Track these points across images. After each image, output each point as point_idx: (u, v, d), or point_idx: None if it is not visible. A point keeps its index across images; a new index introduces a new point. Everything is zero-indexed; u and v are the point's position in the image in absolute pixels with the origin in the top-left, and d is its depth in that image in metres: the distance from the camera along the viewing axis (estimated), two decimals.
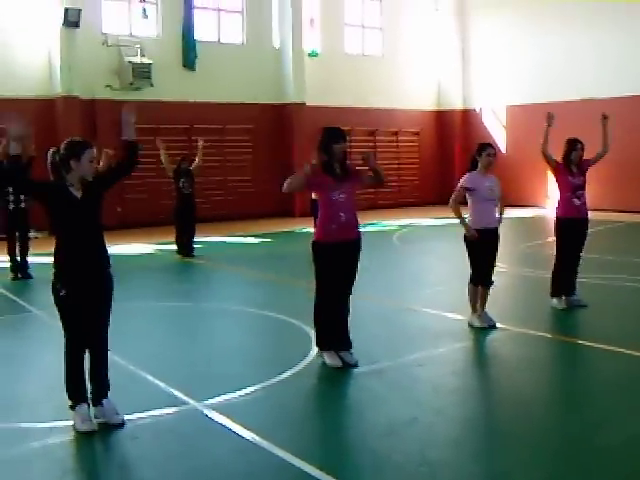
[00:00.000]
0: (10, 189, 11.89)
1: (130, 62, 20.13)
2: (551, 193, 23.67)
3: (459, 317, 8.53)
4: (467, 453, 5.06)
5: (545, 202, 23.21)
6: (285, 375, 6.55)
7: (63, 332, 5.40)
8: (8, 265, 12.30)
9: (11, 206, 12.24)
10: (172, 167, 14.85)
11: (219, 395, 6.05)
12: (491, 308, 8.39)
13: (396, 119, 26.18)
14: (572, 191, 8.95)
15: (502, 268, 12.03)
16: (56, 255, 5.33)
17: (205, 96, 21.50)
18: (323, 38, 24.53)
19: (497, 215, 8.21)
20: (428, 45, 27.17)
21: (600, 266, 12.03)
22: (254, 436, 5.19)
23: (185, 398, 6.00)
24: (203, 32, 21.98)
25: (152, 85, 20.44)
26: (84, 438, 5.29)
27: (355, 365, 6.77)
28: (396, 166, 26.26)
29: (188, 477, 4.62)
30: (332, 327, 6.83)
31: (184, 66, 21.53)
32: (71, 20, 18.92)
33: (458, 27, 27.05)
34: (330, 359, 6.80)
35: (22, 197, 12.15)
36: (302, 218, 20.44)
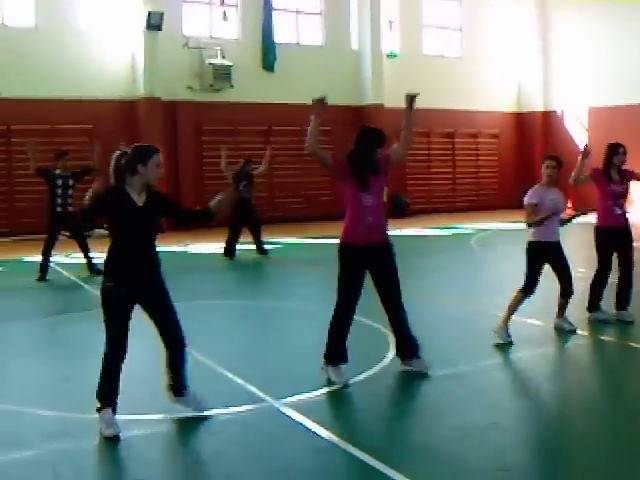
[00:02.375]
0: (59, 192, 12.21)
1: (211, 64, 20.45)
2: (636, 197, 23.09)
3: (538, 323, 8.38)
4: (545, 459, 4.96)
5: (631, 206, 22.61)
6: (362, 376, 6.54)
7: (106, 337, 5.37)
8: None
9: (58, 209, 12.33)
10: (232, 170, 14.87)
11: (297, 394, 6.07)
12: (572, 314, 8.21)
13: (475, 121, 25.90)
14: (613, 199, 8.51)
15: (580, 272, 11.76)
16: (108, 256, 5.39)
17: (284, 97, 21.66)
18: (401, 39, 24.45)
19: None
20: (508, 45, 26.81)
21: None
22: (331, 435, 5.20)
23: (263, 396, 6.04)
24: (282, 34, 22.17)
25: (232, 87, 20.72)
26: (162, 433, 5.38)
27: (425, 373, 6.59)
28: (475, 169, 26.00)
29: (265, 475, 4.65)
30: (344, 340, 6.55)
31: (263, 68, 21.76)
32: (153, 23, 19.35)
33: (539, 27, 26.59)
34: (335, 375, 6.40)
35: (70, 201, 12.29)
36: None
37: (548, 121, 26.67)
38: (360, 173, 6.35)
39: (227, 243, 14.63)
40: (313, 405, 5.86)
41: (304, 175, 22.29)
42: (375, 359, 7.02)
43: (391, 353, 7.16)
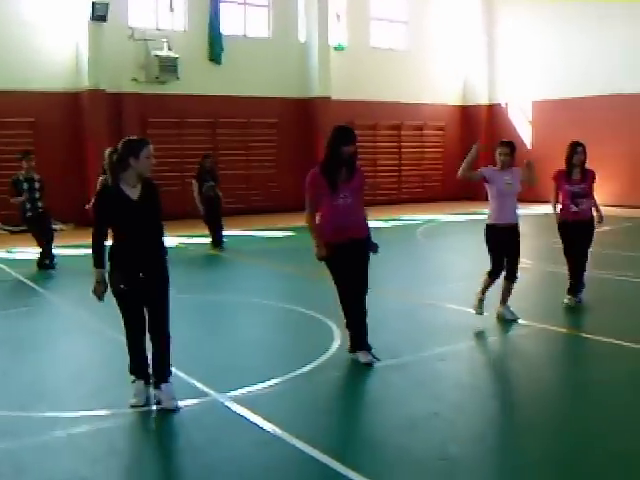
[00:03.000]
0: (27, 195, 12.21)
1: (156, 56, 20.26)
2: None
3: (485, 313, 8.51)
4: (487, 448, 5.07)
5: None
6: (307, 368, 6.59)
7: (123, 324, 5.71)
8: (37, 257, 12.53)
9: (28, 214, 12.38)
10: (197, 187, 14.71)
11: (241, 387, 6.10)
12: (514, 303, 8.37)
13: (421, 113, 26.12)
14: (570, 198, 8.91)
15: (527, 264, 11.99)
16: (112, 250, 5.53)
17: (230, 90, 21.58)
18: (349, 32, 24.51)
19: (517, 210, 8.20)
20: (454, 39, 27.05)
21: (623, 262, 11.96)
22: (275, 428, 5.23)
23: (207, 390, 6.06)
24: (229, 26, 22.04)
25: (178, 79, 20.55)
26: (107, 429, 5.36)
27: (371, 365, 6.68)
28: (420, 161, 26.23)
29: (209, 469, 4.66)
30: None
31: (210, 60, 21.62)
32: (98, 14, 19.07)
33: (484, 21, 26.88)
34: (365, 357, 6.71)
35: (39, 204, 12.40)
36: None
37: (493, 114, 27.02)
38: (331, 175, 6.49)
39: (213, 237, 14.69)
40: (257, 398, 5.89)
41: (250, 167, 22.28)
42: (320, 351, 7.07)
43: (335, 345, 7.23)
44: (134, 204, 5.47)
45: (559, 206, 9.02)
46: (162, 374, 5.73)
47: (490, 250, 8.16)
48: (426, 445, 5.02)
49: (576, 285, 9.04)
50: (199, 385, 6.18)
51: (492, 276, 8.23)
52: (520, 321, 8.21)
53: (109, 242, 5.56)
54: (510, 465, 4.75)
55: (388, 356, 6.91)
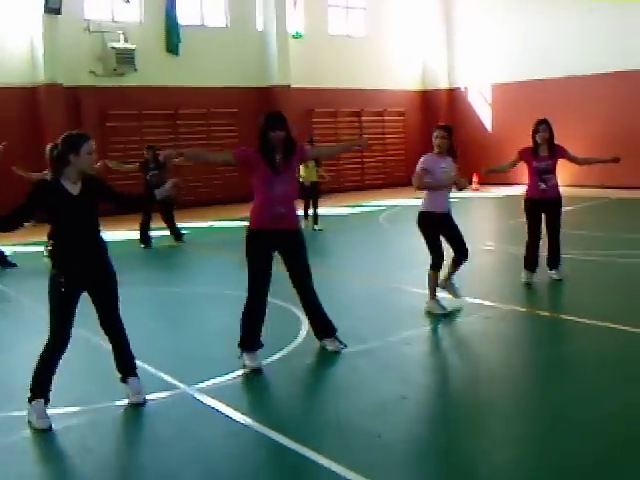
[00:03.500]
0: None
1: (113, 48, 20.04)
2: None
3: (446, 296, 8.59)
4: (455, 430, 5.14)
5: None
6: (274, 357, 6.62)
7: (49, 327, 5.35)
8: None
9: None
10: (130, 167, 15.03)
11: (209, 379, 6.11)
12: (477, 286, 8.47)
13: (381, 99, 26.18)
14: (538, 175, 9.09)
15: (489, 246, 12.13)
16: (53, 248, 5.36)
17: (189, 80, 21.45)
18: (307, 19, 24.46)
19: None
20: (412, 24, 27.12)
21: (588, 242, 12.13)
22: (245, 418, 5.26)
23: (175, 382, 6.06)
24: (186, 16, 21.86)
25: (136, 70, 20.37)
26: (77, 426, 5.34)
27: (338, 352, 6.73)
28: (382, 146, 26.30)
29: (181, 460, 4.67)
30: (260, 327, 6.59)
31: (168, 51, 21.43)
32: (52, 7, 18.79)
33: (442, 6, 26.99)
34: (251, 361, 6.40)
35: None
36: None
37: (453, 98, 27.19)
38: (269, 160, 6.40)
39: (142, 231, 14.41)
40: (226, 389, 5.90)
41: None
42: (287, 339, 7.10)
43: (303, 333, 7.27)
44: (74, 199, 5.30)
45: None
46: (127, 368, 5.70)
47: (427, 238, 8.01)
48: (395, 428, 5.07)
49: (552, 259, 9.28)
50: (167, 378, 6.18)
51: (435, 268, 8.04)
52: (485, 302, 8.30)
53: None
54: (477, 446, 4.82)
55: (355, 342, 6.95)
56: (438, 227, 7.99)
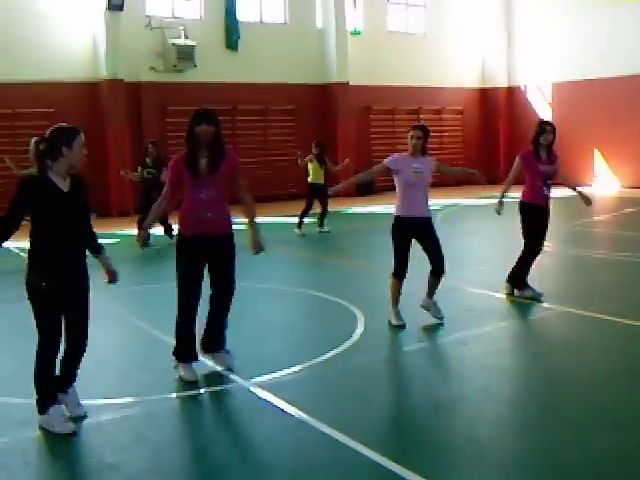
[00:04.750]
0: None
1: (174, 44, 20.23)
2: (598, 171, 23.38)
3: (503, 296, 8.48)
4: (513, 431, 5.06)
5: (592, 180, 22.89)
6: (331, 354, 6.59)
7: (38, 333, 5.09)
8: None
9: None
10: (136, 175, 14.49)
11: (266, 374, 6.10)
12: (536, 286, 8.32)
13: (440, 97, 25.97)
14: (542, 180, 8.31)
15: (548, 247, 11.93)
16: (34, 247, 5.03)
17: (248, 77, 21.55)
18: (366, 16, 24.38)
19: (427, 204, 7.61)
20: (472, 22, 26.84)
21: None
22: (301, 413, 5.25)
23: (233, 376, 6.07)
24: (246, 12, 21.98)
25: (195, 66, 20.54)
26: (133, 416, 5.40)
27: (230, 369, 6.25)
28: (440, 145, 26.09)
29: (235, 454, 4.68)
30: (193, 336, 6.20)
31: (227, 47, 21.59)
32: (115, 3, 19.08)
33: (502, 3, 26.66)
34: (185, 372, 6.04)
35: None
36: (345, 198, 20.45)
37: (512, 97, 26.84)
38: (191, 164, 5.96)
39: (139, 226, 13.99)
40: (283, 384, 5.90)
41: (269, 154, 22.28)
42: (344, 336, 7.07)
43: (360, 330, 7.23)
44: (65, 196, 5.02)
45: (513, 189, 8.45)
46: (73, 378, 5.39)
47: (394, 245, 7.46)
48: (452, 428, 5.02)
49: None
50: (225, 372, 6.20)
51: (397, 276, 7.50)
52: (542, 304, 8.17)
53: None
54: (537, 449, 4.73)
55: (412, 341, 6.90)
56: (407, 233, 7.44)
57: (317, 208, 15.03)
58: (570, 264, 11.14)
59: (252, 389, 5.79)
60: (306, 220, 14.93)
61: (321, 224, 15.15)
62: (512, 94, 26.85)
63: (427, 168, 7.50)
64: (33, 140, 5.20)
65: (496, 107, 26.87)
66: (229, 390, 5.84)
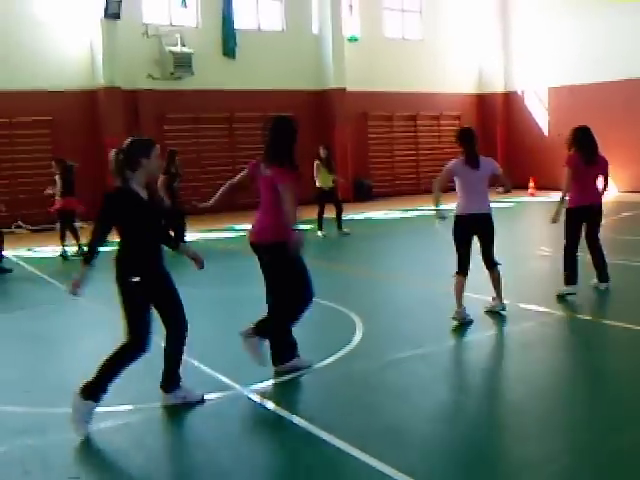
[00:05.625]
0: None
1: (171, 52, 20.29)
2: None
3: (505, 301, 8.47)
4: (514, 436, 5.05)
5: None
6: (330, 360, 6.59)
7: (127, 332, 5.38)
8: None
9: None
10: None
11: (265, 380, 6.10)
12: (534, 291, 8.33)
13: (437, 103, 26.02)
14: (588, 181, 8.67)
15: (546, 252, 11.95)
16: (124, 250, 5.32)
17: (246, 84, 21.59)
18: (362, 23, 24.45)
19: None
20: (468, 27, 26.91)
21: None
22: (300, 420, 5.24)
23: (231, 383, 6.07)
24: (242, 20, 22.03)
25: (193, 74, 20.59)
26: (133, 424, 5.39)
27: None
28: (438, 150, 26.13)
29: (235, 461, 4.67)
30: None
31: (224, 54, 21.63)
32: (112, 12, 19.13)
33: (498, 9, 26.74)
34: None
35: None
36: (344, 204, 20.44)
37: (509, 102, 26.89)
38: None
39: (180, 232, 14.27)
40: (281, 391, 5.90)
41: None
42: (342, 342, 7.06)
43: (358, 335, 7.23)
44: (146, 204, 5.37)
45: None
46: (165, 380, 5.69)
47: (456, 244, 7.83)
48: (453, 434, 5.01)
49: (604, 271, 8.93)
50: (223, 378, 6.20)
51: (461, 273, 7.86)
52: (542, 309, 8.16)
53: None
54: (537, 455, 4.72)
55: (412, 346, 6.90)
56: (468, 230, 7.77)
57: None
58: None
59: (251, 396, 5.79)
60: (307, 226, 14.92)
61: (339, 226, 15.29)
62: (509, 99, 26.91)
63: (485, 167, 7.77)
64: (113, 152, 5.39)
65: (493, 112, 26.93)
66: (227, 397, 5.83)
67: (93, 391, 5.25)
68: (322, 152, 15.44)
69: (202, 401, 5.65)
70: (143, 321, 5.37)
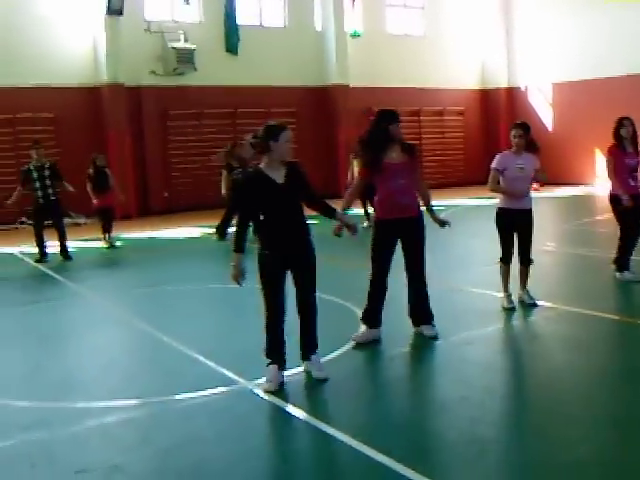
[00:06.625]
0: (38, 184, 12.68)
1: (173, 48, 20.26)
2: (600, 171, 23.36)
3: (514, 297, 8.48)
4: (517, 431, 5.06)
5: (594, 180, 22.86)
6: (334, 355, 6.59)
7: (264, 301, 5.86)
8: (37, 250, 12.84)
9: (40, 201, 12.77)
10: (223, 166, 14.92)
11: None
12: (539, 286, 8.33)
13: (440, 98, 25.98)
14: (628, 172, 8.89)
15: (550, 247, 11.95)
16: (261, 231, 5.77)
17: (248, 80, 21.56)
18: (365, 18, 24.39)
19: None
20: (471, 23, 26.85)
21: None
22: (304, 414, 5.25)
23: (235, 377, 6.08)
24: (245, 16, 22.00)
25: (195, 70, 20.57)
26: (138, 418, 5.41)
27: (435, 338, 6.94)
28: (441, 146, 26.14)
29: (242, 456, 4.68)
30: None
31: (227, 50, 21.60)
32: (114, 8, 19.11)
33: (501, 3, 26.66)
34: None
35: (51, 191, 12.80)
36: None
37: (512, 97, 26.83)
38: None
39: (221, 222, 14.59)
40: (286, 385, 5.89)
41: None
42: (346, 337, 7.06)
43: (361, 330, 7.22)
44: (279, 187, 5.64)
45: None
46: (311, 346, 6.04)
47: (500, 234, 8.08)
48: (456, 428, 5.00)
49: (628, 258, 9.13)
50: (228, 373, 6.21)
51: (504, 261, 8.09)
52: (546, 303, 8.16)
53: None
54: (541, 448, 4.73)
55: (417, 341, 6.90)
56: (510, 224, 7.97)
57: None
58: (572, 263, 11.13)
59: (256, 390, 5.80)
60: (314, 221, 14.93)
61: (368, 218, 15.41)
62: (512, 95, 26.86)
63: (530, 164, 7.95)
64: (250, 136, 5.77)
65: (497, 108, 26.88)
66: (232, 391, 5.85)
67: (268, 355, 5.94)
68: (358, 147, 15.85)
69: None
70: (272, 291, 5.89)
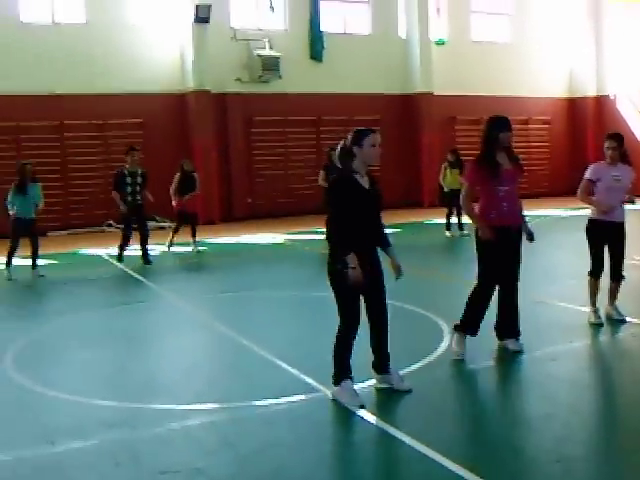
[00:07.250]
0: (129, 189, 12.97)
1: (259, 55, 20.51)
2: None
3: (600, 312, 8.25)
4: (602, 450, 4.91)
5: None
6: (417, 366, 6.52)
7: (339, 314, 5.67)
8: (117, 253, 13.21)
9: (129, 205, 13.05)
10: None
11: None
12: (627, 301, 8.09)
13: (526, 107, 25.54)
14: None
15: (639, 261, 11.58)
16: (338, 237, 5.55)
17: (332, 87, 21.64)
18: (450, 26, 24.23)
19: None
20: (559, 29, 26.34)
21: None
22: (385, 425, 5.21)
23: (318, 385, 6.07)
24: (330, 23, 22.11)
25: (280, 77, 20.76)
26: (220, 422, 5.46)
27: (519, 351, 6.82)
28: (526, 155, 25.64)
29: (319, 464, 4.68)
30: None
31: (311, 58, 21.75)
32: (201, 16, 19.46)
33: (591, 10, 26.07)
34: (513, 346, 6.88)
35: (138, 197, 13.07)
36: (431, 209, 20.28)
37: (601, 106, 26.20)
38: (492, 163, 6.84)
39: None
40: (367, 394, 5.86)
41: None
42: (429, 348, 6.99)
43: (444, 343, 7.15)
44: (367, 193, 5.63)
45: None
46: (386, 359, 5.92)
47: (591, 246, 7.84)
48: (541, 445, 4.89)
49: None
50: (310, 381, 6.20)
51: (594, 275, 7.84)
52: (634, 320, 7.91)
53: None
54: (626, 469, 4.58)
55: (500, 355, 6.79)
56: (602, 236, 7.77)
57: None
58: None
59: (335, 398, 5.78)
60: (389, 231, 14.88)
61: (461, 227, 15.45)
62: (601, 103, 26.22)
63: (626, 176, 7.76)
64: (340, 144, 5.79)
65: (584, 117, 26.29)
66: (314, 399, 5.84)
67: (338, 373, 5.74)
68: (450, 156, 16.31)
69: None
70: (354, 305, 5.67)
